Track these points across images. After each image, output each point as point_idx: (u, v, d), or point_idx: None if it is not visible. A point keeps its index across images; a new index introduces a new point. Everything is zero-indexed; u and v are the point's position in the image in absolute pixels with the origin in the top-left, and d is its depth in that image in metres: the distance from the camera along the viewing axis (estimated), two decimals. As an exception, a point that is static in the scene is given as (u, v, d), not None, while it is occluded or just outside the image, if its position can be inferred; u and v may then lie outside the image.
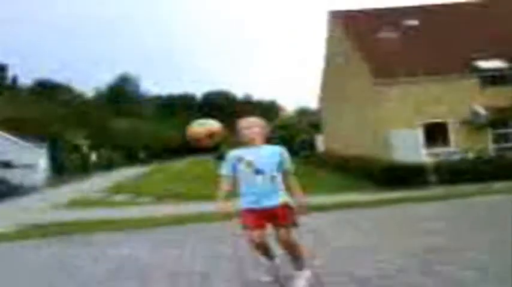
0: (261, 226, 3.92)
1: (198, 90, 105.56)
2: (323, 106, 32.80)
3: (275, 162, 4.02)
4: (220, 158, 19.58)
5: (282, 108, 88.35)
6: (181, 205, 12.97)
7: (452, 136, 19.92)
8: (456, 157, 17.32)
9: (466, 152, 18.28)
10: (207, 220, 8.61)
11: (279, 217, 3.90)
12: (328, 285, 4.07)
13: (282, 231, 3.88)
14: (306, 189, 4.62)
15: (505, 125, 19.87)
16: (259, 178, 3.95)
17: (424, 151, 17.98)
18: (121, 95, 72.52)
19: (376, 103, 20.58)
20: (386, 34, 22.80)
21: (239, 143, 4.20)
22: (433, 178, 14.79)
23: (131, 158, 54.93)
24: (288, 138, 49.33)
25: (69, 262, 5.96)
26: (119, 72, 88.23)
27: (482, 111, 19.46)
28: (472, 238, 5.59)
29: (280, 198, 3.96)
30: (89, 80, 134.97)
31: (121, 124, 56.34)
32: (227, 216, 4.01)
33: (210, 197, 13.54)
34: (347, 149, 24.81)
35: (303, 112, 67.26)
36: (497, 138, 19.92)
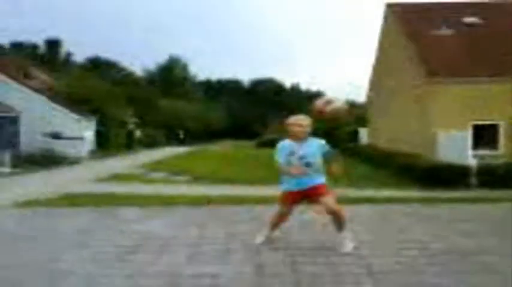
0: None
1: (246, 76, 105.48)
2: (371, 100, 32.28)
3: (319, 153, 5.06)
4: None
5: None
6: (217, 186, 12.99)
7: (502, 139, 19.23)
8: (501, 161, 16.69)
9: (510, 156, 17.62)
10: (238, 202, 8.70)
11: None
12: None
13: (325, 199, 4.94)
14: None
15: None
16: (308, 169, 4.97)
17: (470, 153, 17.40)
18: (170, 77, 73.31)
19: (426, 101, 20.02)
20: (444, 31, 22.07)
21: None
22: (474, 180, 14.27)
23: (172, 138, 55.75)
24: (333, 130, 49.12)
25: (91, 234, 6.11)
26: (169, 54, 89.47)
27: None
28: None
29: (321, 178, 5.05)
30: (141, 60, 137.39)
31: (167, 104, 57.17)
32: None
33: (247, 180, 13.73)
34: (391, 144, 24.32)
35: (350, 105, 66.43)
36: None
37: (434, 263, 4.64)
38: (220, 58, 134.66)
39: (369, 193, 11.27)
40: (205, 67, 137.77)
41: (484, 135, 19.24)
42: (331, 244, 5.22)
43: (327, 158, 5.10)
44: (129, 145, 38.39)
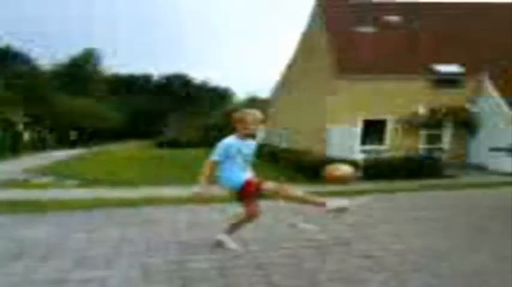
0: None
1: (158, 71, 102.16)
2: (275, 96, 32.72)
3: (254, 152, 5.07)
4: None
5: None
6: (108, 189, 12.62)
7: (388, 134, 20.44)
8: (387, 155, 17.82)
9: (396, 150, 18.87)
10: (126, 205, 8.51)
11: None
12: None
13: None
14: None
15: (438, 126, 20.56)
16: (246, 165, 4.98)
17: (359, 147, 18.36)
18: (78, 71, 68.95)
19: (323, 98, 20.83)
20: (365, 29, 22.85)
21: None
22: (360, 174, 15.08)
23: (63, 140, 52.31)
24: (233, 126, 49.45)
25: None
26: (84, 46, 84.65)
27: (423, 112, 20.09)
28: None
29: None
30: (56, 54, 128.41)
31: (66, 102, 53.25)
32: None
33: (133, 183, 13.41)
34: (287, 142, 25.04)
35: (253, 100, 67.07)
36: (430, 139, 20.61)
37: (320, 253, 4.90)
38: (133, 52, 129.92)
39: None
40: (117, 61, 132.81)
41: (373, 131, 20.37)
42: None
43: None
44: (15, 148, 35.16)
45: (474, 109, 20.37)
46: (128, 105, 74.28)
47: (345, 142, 17.95)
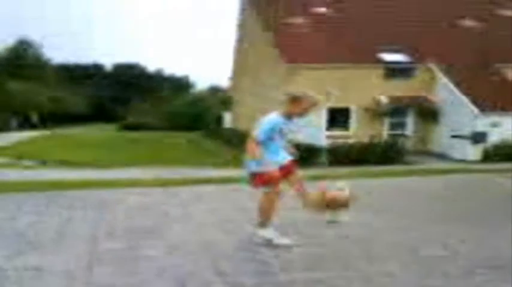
0: None
1: (108, 62, 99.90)
2: (233, 85, 32.70)
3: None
4: None
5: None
6: (67, 171, 12.24)
7: (353, 122, 20.55)
8: (351, 141, 17.93)
9: (360, 137, 18.97)
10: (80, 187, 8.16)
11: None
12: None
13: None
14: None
15: (401, 114, 20.80)
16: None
17: (324, 134, 18.41)
18: (20, 59, 66.77)
19: (283, 86, 20.71)
20: (296, 19, 22.84)
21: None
22: (325, 159, 15.10)
23: (25, 123, 51.03)
24: (197, 114, 49.11)
25: None
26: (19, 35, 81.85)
27: (384, 100, 20.24)
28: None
29: None
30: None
31: (18, 87, 51.53)
32: None
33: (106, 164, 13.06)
34: (250, 125, 24.88)
35: (214, 90, 66.83)
36: (393, 126, 20.85)
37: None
38: (80, 41, 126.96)
39: (214, 173, 11.31)
40: (63, 50, 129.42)
41: (337, 118, 20.44)
42: (168, 226, 5.14)
43: None
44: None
45: (434, 98, 20.64)
46: (89, 92, 72.90)
47: (311, 129, 17.94)
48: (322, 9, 24.04)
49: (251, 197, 7.15)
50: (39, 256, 4.12)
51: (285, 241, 4.52)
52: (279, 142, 4.62)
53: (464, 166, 14.37)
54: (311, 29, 22.40)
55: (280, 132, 4.58)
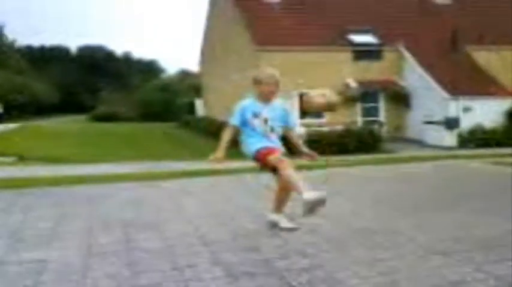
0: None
1: (73, 44, 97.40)
2: (204, 70, 32.51)
3: (282, 118, 4.39)
4: None
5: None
6: (48, 167, 12.11)
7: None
8: (326, 129, 18.08)
9: (334, 124, 19.16)
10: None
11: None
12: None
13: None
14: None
15: (372, 99, 21.01)
16: (272, 135, 4.29)
17: (298, 121, 18.48)
18: None
19: (254, 70, 20.72)
20: (269, 0, 22.82)
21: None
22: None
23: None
24: (168, 101, 48.56)
25: None
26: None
27: (353, 84, 20.37)
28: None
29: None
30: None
31: None
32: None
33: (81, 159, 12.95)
34: (226, 115, 24.85)
35: (185, 75, 66.18)
36: (367, 112, 21.03)
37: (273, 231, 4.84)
38: (43, 23, 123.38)
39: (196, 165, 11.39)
40: (25, 32, 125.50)
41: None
42: (164, 219, 5.21)
43: (289, 126, 4.47)
44: None
45: (402, 82, 20.89)
46: (55, 79, 70.88)
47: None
48: None
49: (240, 189, 7.32)
50: (36, 251, 4.16)
51: (290, 224, 4.52)
52: (263, 132, 4.27)
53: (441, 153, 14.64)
54: (285, 10, 22.37)
55: (257, 117, 4.26)
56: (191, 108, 37.52)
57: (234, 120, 4.36)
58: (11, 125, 36.23)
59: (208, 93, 32.09)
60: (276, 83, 4.36)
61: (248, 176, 8.45)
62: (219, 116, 26.14)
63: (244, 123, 4.32)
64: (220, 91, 27.76)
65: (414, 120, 20.77)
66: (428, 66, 20.31)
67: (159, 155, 16.25)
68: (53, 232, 4.85)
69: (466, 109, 18.91)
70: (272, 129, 4.30)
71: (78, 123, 41.10)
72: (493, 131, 18.48)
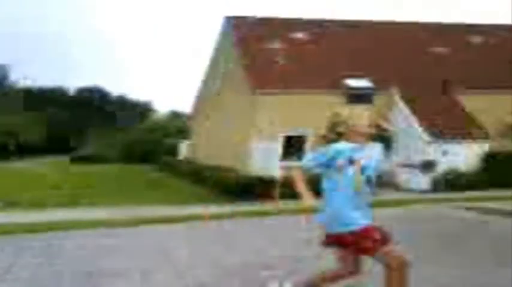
0: None
1: (72, 85, 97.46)
2: (196, 112, 32.47)
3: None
4: None
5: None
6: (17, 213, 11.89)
7: (309, 149, 20.60)
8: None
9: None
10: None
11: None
12: None
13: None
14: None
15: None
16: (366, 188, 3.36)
17: (278, 164, 18.45)
18: None
19: (243, 114, 20.81)
20: (271, 45, 23.10)
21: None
22: (278, 191, 15.06)
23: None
24: (155, 142, 48.03)
25: None
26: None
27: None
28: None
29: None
30: None
31: None
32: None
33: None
34: (210, 158, 24.77)
35: (174, 116, 66.27)
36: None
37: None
38: (44, 66, 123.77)
39: (171, 211, 11.29)
40: (28, 75, 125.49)
41: (294, 147, 20.49)
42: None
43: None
44: None
45: (388, 125, 21.03)
46: (48, 120, 70.74)
47: (266, 158, 17.96)
48: (300, 35, 24.44)
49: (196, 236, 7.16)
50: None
51: None
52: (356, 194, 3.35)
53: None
54: (285, 54, 22.66)
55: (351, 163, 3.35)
56: (173, 151, 36.93)
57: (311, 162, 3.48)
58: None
59: (195, 136, 32.04)
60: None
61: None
62: (204, 160, 26.04)
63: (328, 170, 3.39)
64: (207, 134, 27.75)
65: (392, 163, 20.76)
66: (415, 111, 20.49)
67: (136, 200, 15.87)
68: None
69: (444, 152, 19.00)
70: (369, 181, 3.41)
71: (56, 165, 40.07)
72: (467, 174, 18.55)
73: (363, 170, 3.30)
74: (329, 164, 3.33)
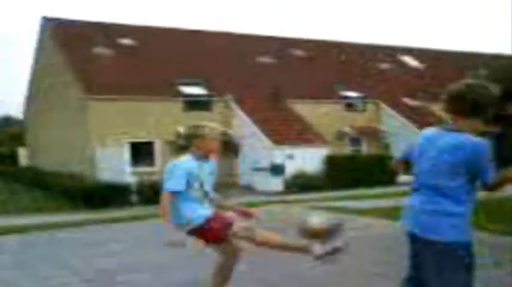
0: None
1: None
2: (28, 117, 30.49)
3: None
4: None
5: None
6: None
7: (157, 156, 20.56)
8: (158, 177, 17.94)
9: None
10: None
11: None
12: None
13: None
14: None
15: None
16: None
17: (128, 170, 18.14)
18: None
19: (84, 119, 20.07)
20: (100, 50, 22.50)
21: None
22: (135, 198, 14.94)
23: None
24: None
25: None
26: None
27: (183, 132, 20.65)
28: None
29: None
30: None
31: None
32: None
33: None
34: (53, 165, 23.46)
35: (7, 120, 61.05)
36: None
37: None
38: None
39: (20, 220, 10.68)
40: None
41: (141, 153, 20.27)
42: None
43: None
44: None
45: (231, 132, 21.78)
46: None
47: (113, 164, 17.58)
48: (129, 41, 24.07)
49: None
50: None
51: None
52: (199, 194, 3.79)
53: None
54: (115, 60, 22.21)
55: (197, 179, 3.75)
56: (13, 158, 34.30)
57: (176, 186, 3.70)
58: None
59: (33, 142, 30.03)
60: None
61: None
62: (46, 167, 24.59)
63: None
64: (45, 140, 26.22)
65: (244, 168, 21.57)
66: (254, 117, 21.41)
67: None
68: None
69: (290, 156, 20.23)
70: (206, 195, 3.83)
71: None
72: (313, 176, 19.99)
73: (202, 184, 3.76)
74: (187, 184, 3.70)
